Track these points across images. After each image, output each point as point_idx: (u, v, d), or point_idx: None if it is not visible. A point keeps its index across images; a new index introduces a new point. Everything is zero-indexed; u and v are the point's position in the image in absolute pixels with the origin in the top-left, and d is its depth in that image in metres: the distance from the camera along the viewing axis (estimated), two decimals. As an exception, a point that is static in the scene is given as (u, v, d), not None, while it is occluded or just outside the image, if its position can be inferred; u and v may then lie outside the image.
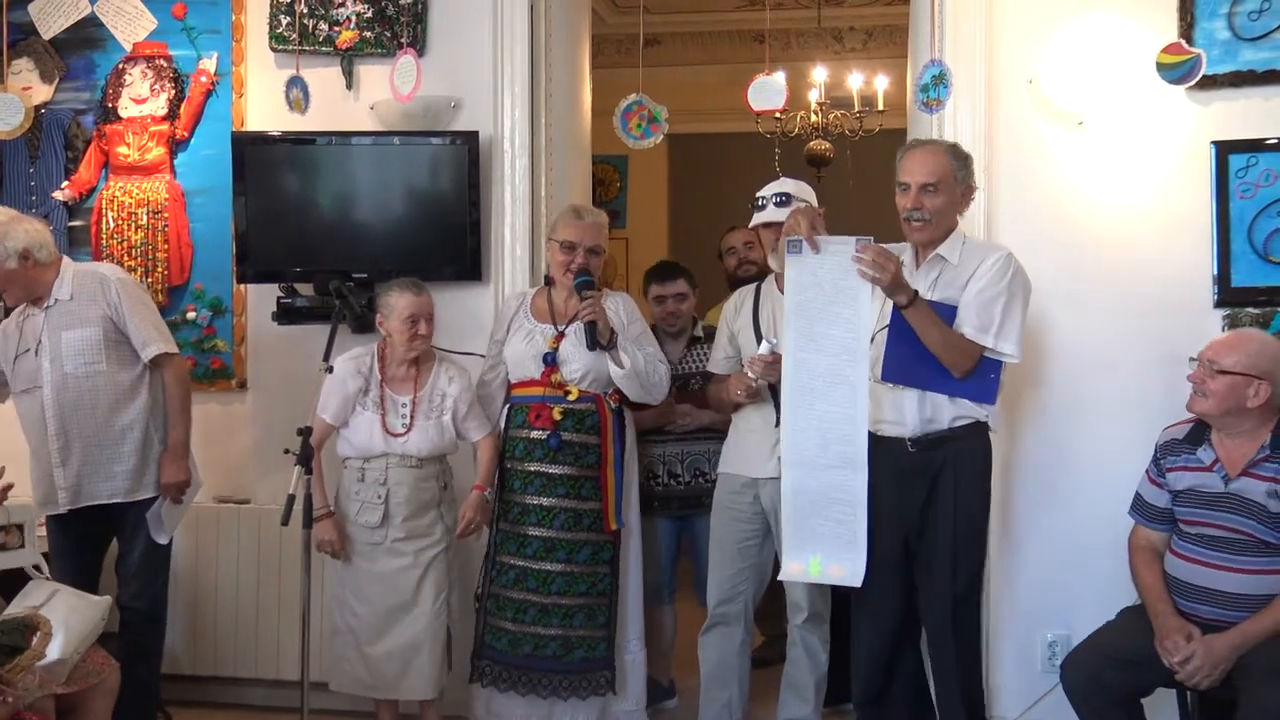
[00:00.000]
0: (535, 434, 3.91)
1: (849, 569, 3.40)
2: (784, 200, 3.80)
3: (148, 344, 3.94)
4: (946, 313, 3.43)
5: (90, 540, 4.03)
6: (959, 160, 3.51)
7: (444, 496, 4.01)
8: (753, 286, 4.09)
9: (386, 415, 3.91)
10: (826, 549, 3.43)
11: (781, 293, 3.87)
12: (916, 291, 3.40)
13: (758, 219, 3.87)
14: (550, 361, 3.93)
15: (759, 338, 3.89)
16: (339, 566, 3.99)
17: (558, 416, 3.89)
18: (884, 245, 3.63)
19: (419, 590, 3.91)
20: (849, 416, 3.37)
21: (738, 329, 4.03)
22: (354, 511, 3.93)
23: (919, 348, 3.42)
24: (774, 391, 3.80)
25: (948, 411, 3.47)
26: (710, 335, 4.42)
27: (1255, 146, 4.08)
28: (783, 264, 3.56)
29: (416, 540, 3.91)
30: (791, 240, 3.42)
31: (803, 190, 3.89)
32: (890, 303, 3.46)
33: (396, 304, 3.90)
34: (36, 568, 3.67)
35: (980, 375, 3.44)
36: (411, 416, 3.92)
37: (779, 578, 3.68)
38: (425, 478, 3.94)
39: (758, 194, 3.90)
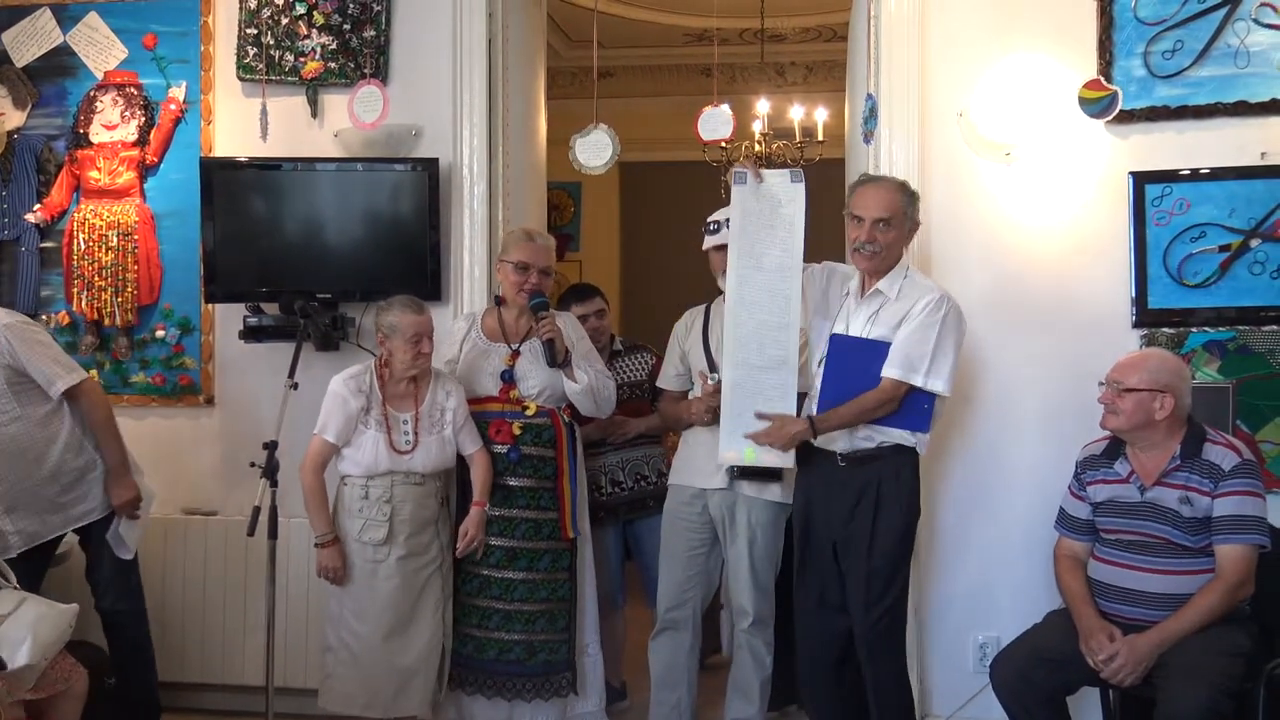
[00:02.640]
0: (496, 448, 3.96)
1: (777, 456, 3.69)
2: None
3: (53, 381, 3.89)
4: (881, 351, 3.58)
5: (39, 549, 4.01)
6: (908, 197, 3.69)
7: (442, 514, 3.98)
8: (702, 307, 4.21)
9: (391, 433, 3.86)
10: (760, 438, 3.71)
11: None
12: (809, 420, 3.60)
13: (710, 241, 4.00)
14: (508, 379, 3.99)
15: (709, 356, 4.03)
16: (334, 595, 3.90)
17: (517, 431, 3.95)
18: (833, 265, 3.82)
19: (417, 608, 3.87)
20: (784, 324, 3.68)
21: (688, 348, 4.16)
22: (356, 530, 3.85)
23: (850, 387, 3.60)
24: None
25: (878, 433, 3.62)
26: (629, 348, 4.61)
27: (1170, 177, 4.22)
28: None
29: (417, 558, 3.87)
30: (738, 172, 3.74)
31: None
32: (827, 334, 3.67)
33: (400, 323, 3.84)
34: (0, 572, 3.58)
35: (913, 407, 3.59)
36: (415, 433, 3.87)
37: (717, 462, 3.87)
38: (427, 494, 3.91)
39: (709, 219, 4.03)
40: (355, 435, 3.86)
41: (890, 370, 3.57)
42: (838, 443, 3.65)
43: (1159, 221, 4.24)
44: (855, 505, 3.62)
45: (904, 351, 3.56)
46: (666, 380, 4.25)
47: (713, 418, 3.92)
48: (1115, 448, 3.58)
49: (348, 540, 3.87)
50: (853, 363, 3.64)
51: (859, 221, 3.64)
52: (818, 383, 3.69)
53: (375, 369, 3.94)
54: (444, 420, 3.92)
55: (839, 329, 3.71)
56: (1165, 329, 4.24)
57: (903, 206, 3.65)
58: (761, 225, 3.73)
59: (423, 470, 3.88)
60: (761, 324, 3.70)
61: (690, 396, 4.18)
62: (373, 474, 3.85)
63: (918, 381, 3.55)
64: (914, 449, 3.64)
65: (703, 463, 4.02)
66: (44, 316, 4.81)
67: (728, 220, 3.95)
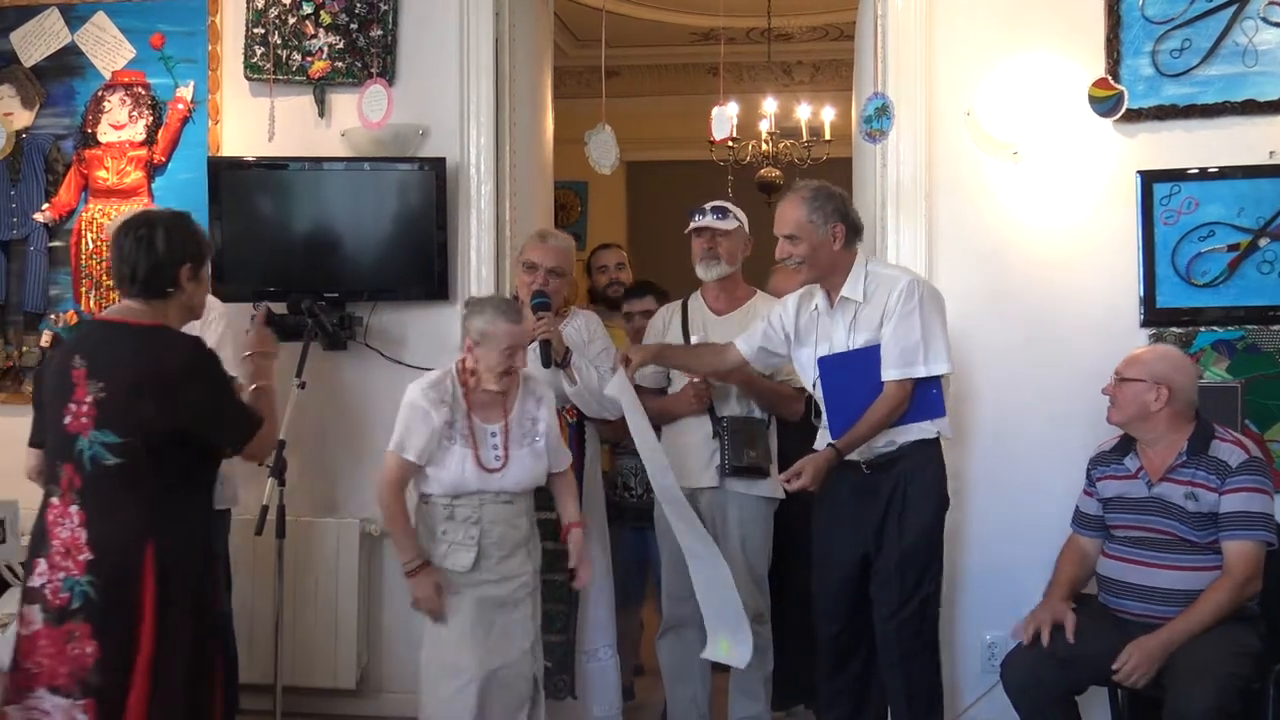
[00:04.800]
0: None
1: (742, 651, 3.76)
2: (722, 213, 4.02)
3: None
4: (872, 355, 3.56)
5: None
6: (817, 203, 3.57)
7: (531, 534, 3.62)
8: (678, 303, 4.23)
9: (479, 448, 3.46)
10: (729, 630, 3.77)
11: (709, 309, 4.12)
12: (832, 446, 3.56)
13: (693, 224, 4.04)
14: (511, 378, 3.99)
15: None
16: (425, 624, 3.53)
17: None
18: (796, 292, 3.81)
19: (514, 641, 3.52)
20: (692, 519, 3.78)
21: (668, 342, 4.14)
22: (440, 554, 3.46)
23: (856, 402, 3.57)
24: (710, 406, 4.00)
25: (896, 434, 3.59)
26: None
27: (1178, 176, 4.22)
28: (709, 275, 4.03)
29: (508, 583, 3.51)
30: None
31: (738, 212, 4.10)
32: (812, 360, 3.68)
33: (494, 332, 3.43)
34: (13, 571, 3.62)
35: (923, 398, 3.58)
36: (505, 447, 3.49)
37: (702, 655, 3.90)
38: (517, 514, 3.53)
39: (695, 208, 4.08)
40: (439, 452, 3.46)
41: (889, 373, 3.55)
42: (864, 451, 3.62)
43: (1167, 220, 4.24)
44: (886, 508, 3.60)
45: (897, 349, 3.54)
46: (644, 379, 4.16)
47: (701, 405, 3.95)
48: (1126, 444, 3.60)
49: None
50: (849, 378, 3.61)
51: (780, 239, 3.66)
52: (823, 408, 3.69)
53: (457, 375, 3.54)
54: (535, 430, 3.58)
55: (822, 350, 3.68)
56: (1173, 328, 4.24)
57: (806, 216, 3.57)
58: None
59: (514, 489, 3.52)
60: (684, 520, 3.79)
61: (670, 393, 4.16)
62: (459, 493, 3.48)
63: (920, 373, 3.54)
64: (935, 439, 3.64)
65: (691, 462, 4.01)
66: (52, 316, 4.83)
67: (712, 208, 4.02)
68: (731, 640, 3.77)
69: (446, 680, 3.46)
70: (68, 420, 2.84)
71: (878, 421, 3.55)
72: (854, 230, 3.64)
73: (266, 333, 3.31)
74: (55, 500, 2.86)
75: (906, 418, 3.58)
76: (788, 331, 3.76)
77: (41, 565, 2.84)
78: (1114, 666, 3.35)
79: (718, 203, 4.08)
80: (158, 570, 2.81)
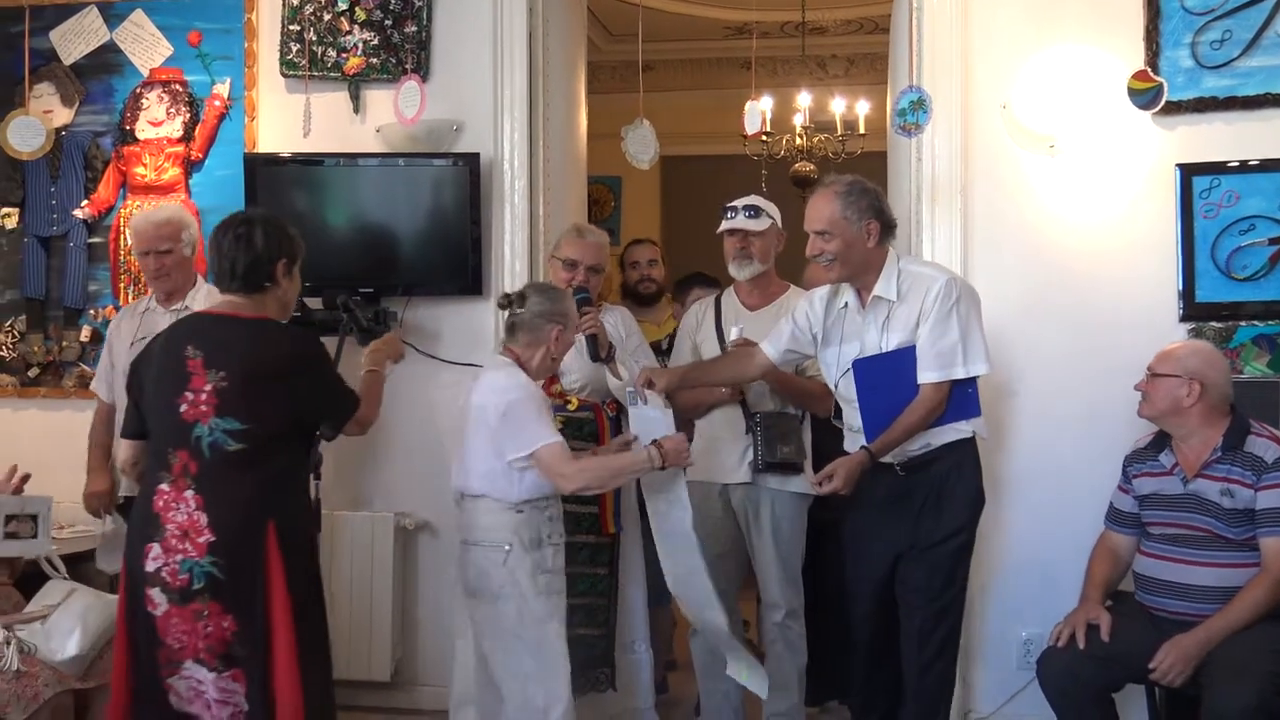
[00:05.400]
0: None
1: (758, 681, 3.76)
2: (755, 213, 3.98)
3: None
4: (907, 357, 3.48)
5: None
6: (850, 199, 3.49)
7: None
8: (711, 299, 4.22)
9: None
10: (742, 664, 3.77)
11: (742, 304, 4.09)
12: (865, 450, 3.46)
13: (722, 225, 4.01)
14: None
15: (722, 346, 4.01)
16: (530, 640, 3.34)
17: (559, 425, 3.80)
18: (819, 289, 3.75)
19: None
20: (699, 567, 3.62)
21: (700, 340, 4.13)
22: (546, 560, 3.36)
23: (892, 404, 3.49)
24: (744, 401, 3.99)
25: (931, 436, 3.51)
26: None
27: (1218, 169, 4.18)
28: (742, 274, 3.98)
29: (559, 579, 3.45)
30: (630, 392, 3.65)
31: (770, 207, 4.05)
32: (840, 359, 3.62)
33: (572, 313, 3.51)
34: (51, 563, 3.65)
35: (958, 398, 3.49)
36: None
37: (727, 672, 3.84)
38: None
39: (728, 204, 4.03)
40: None
41: (927, 375, 3.46)
42: (892, 454, 3.55)
43: (1207, 214, 4.20)
44: (920, 511, 3.53)
45: (934, 351, 3.45)
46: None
47: (734, 396, 3.95)
48: (1162, 440, 3.58)
49: (528, 583, 3.33)
50: (884, 380, 3.52)
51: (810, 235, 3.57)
52: (854, 410, 3.62)
53: (520, 368, 3.44)
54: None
55: (852, 351, 3.60)
56: (1213, 323, 4.21)
57: (840, 212, 3.48)
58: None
59: None
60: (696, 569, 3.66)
61: None
62: (551, 493, 3.40)
63: (959, 374, 3.46)
64: (971, 438, 3.55)
65: (724, 458, 4.01)
66: (91, 311, 4.89)
67: (744, 206, 3.98)
68: (749, 670, 3.77)
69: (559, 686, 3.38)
70: (184, 409, 2.96)
71: (914, 425, 3.48)
72: (888, 227, 3.55)
73: (399, 342, 3.59)
74: (165, 486, 2.97)
75: (942, 419, 3.51)
76: (814, 331, 3.69)
77: (155, 550, 2.94)
78: (1150, 665, 3.33)
79: (749, 200, 4.03)
80: (281, 547, 2.96)
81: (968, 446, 3.56)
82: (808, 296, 3.79)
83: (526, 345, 3.44)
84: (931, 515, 3.52)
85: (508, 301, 3.50)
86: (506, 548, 3.32)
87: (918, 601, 3.55)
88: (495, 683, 3.40)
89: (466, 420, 3.43)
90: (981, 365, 3.48)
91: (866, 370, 3.57)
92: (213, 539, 2.92)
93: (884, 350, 3.53)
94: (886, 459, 3.54)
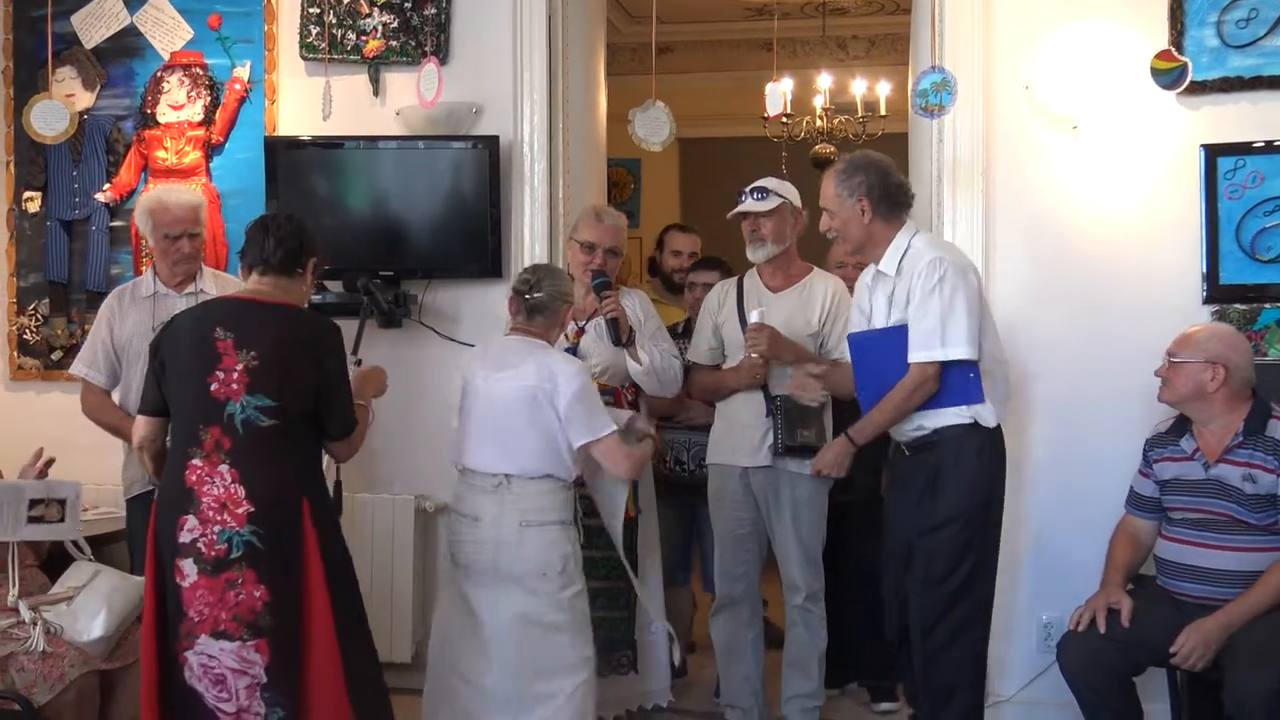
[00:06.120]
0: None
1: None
2: (762, 194, 3.98)
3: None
4: (898, 334, 3.47)
5: None
6: (843, 176, 3.55)
7: None
8: (733, 280, 4.22)
9: None
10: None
11: (765, 286, 4.09)
12: (845, 435, 3.61)
13: (734, 210, 4.03)
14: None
15: (745, 330, 4.00)
16: (579, 613, 3.55)
17: None
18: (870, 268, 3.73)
19: None
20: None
21: (722, 321, 4.14)
22: (578, 536, 3.62)
23: (883, 382, 3.50)
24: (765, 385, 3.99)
25: (931, 418, 3.49)
26: None
27: (1243, 149, 4.15)
28: (757, 257, 3.99)
29: None
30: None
31: (783, 188, 4.04)
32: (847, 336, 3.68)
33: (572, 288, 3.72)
34: (77, 545, 3.67)
35: (956, 381, 3.44)
36: None
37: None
38: None
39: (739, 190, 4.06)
40: None
41: (913, 354, 3.43)
42: (900, 433, 3.58)
43: (1231, 195, 4.17)
44: (920, 495, 3.51)
45: (918, 329, 3.43)
46: (699, 355, 4.20)
47: (757, 380, 3.94)
48: (1182, 425, 3.56)
49: (577, 558, 3.53)
50: (875, 358, 3.54)
51: None
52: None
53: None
54: None
55: (859, 325, 3.64)
56: (1237, 305, 4.18)
57: (835, 190, 3.55)
58: None
59: None
60: None
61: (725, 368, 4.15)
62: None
63: (937, 357, 3.41)
64: (972, 424, 3.47)
65: (743, 441, 4.02)
66: (114, 295, 4.89)
67: (752, 189, 4.00)
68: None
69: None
70: (214, 387, 3.11)
71: (894, 406, 3.47)
72: (886, 204, 3.53)
73: (382, 373, 3.71)
74: (197, 461, 3.10)
75: (938, 401, 3.46)
76: (864, 311, 3.69)
77: (191, 521, 3.07)
78: (1171, 650, 3.33)
79: (758, 183, 4.03)
80: (315, 523, 3.13)
81: (969, 434, 3.47)
82: (859, 281, 3.78)
83: (547, 327, 3.53)
84: (928, 500, 3.48)
85: (528, 285, 3.53)
86: (568, 525, 3.48)
87: (915, 589, 3.52)
88: (522, 665, 3.43)
89: (498, 400, 3.45)
90: (962, 349, 3.40)
91: (859, 346, 3.61)
92: (252, 509, 3.06)
93: (882, 327, 3.56)
94: (897, 438, 3.57)
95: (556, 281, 3.58)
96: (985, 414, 3.47)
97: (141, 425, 3.37)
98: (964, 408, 3.46)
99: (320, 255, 3.42)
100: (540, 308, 3.52)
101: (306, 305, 3.47)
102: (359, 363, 3.91)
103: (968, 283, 3.44)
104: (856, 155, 3.65)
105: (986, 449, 3.49)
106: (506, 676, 3.47)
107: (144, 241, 4.77)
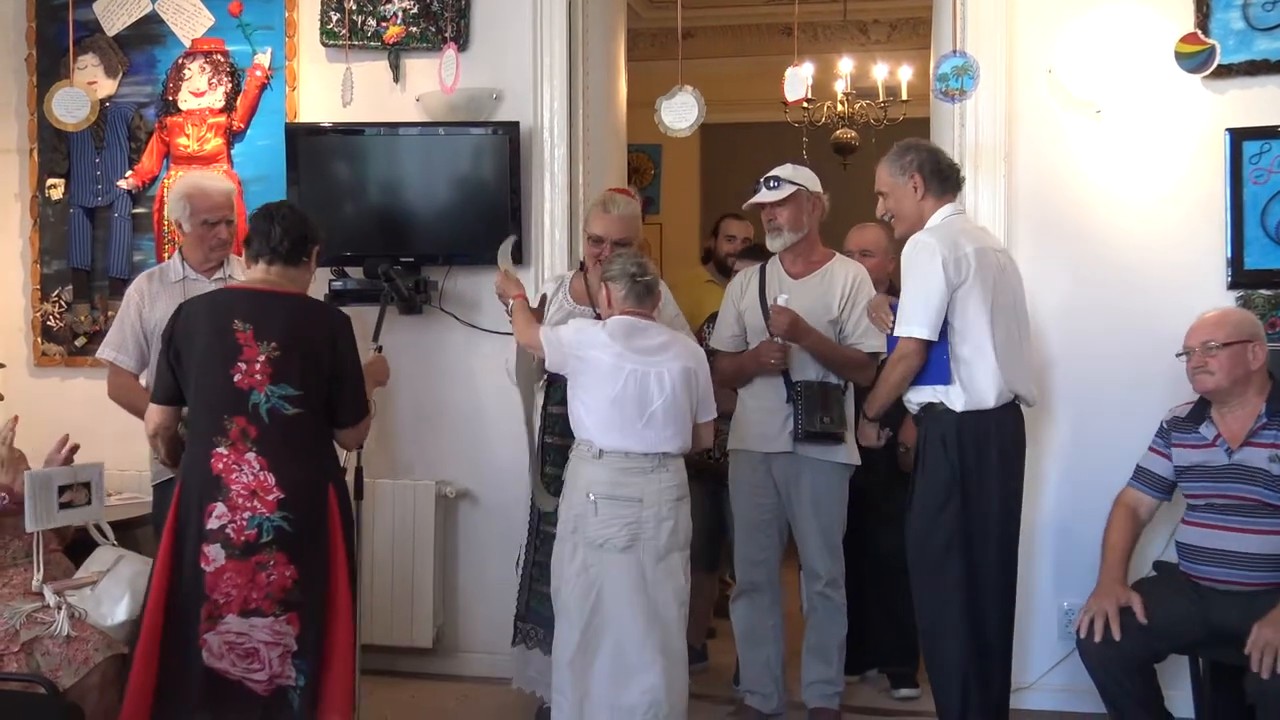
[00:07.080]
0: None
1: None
2: (775, 184, 3.97)
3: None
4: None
5: None
6: (894, 157, 3.67)
7: None
8: (756, 267, 4.21)
9: None
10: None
11: (786, 272, 4.08)
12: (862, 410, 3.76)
13: (752, 200, 4.02)
14: (589, 342, 4.00)
15: (767, 317, 4.00)
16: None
17: None
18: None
19: None
20: None
21: (744, 308, 4.13)
22: None
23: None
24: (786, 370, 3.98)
25: (913, 393, 3.61)
26: None
27: (1268, 133, 4.12)
28: (775, 245, 3.99)
29: None
30: None
31: (799, 174, 4.03)
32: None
33: None
34: (100, 530, 3.67)
35: (935, 360, 3.51)
36: None
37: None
38: None
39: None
40: None
41: (896, 328, 3.60)
42: (908, 406, 3.70)
43: (1257, 179, 4.15)
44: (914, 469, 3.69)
45: (899, 305, 3.59)
46: (721, 342, 4.20)
47: (778, 365, 3.93)
48: (1200, 411, 3.55)
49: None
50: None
51: None
52: None
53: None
54: None
55: None
56: (1262, 290, 4.16)
57: (889, 171, 3.68)
58: None
59: None
60: None
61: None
62: None
63: (901, 331, 3.53)
64: (941, 406, 3.53)
65: (764, 427, 4.02)
66: (136, 281, 4.91)
67: (764, 179, 3.98)
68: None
69: None
70: (237, 378, 3.19)
71: (881, 378, 3.67)
72: (937, 180, 3.62)
73: (385, 364, 3.83)
74: (223, 449, 3.19)
75: (920, 379, 3.56)
76: None
77: (219, 508, 3.17)
78: (1251, 667, 3.19)
79: (772, 173, 4.02)
80: (339, 507, 3.31)
81: (942, 417, 3.53)
82: None
83: (653, 307, 3.64)
84: (910, 478, 3.66)
85: (638, 268, 3.60)
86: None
87: (900, 564, 3.69)
88: (668, 635, 3.54)
89: (662, 382, 3.50)
90: (914, 327, 3.48)
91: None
92: (282, 496, 3.17)
93: None
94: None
95: (650, 265, 3.67)
96: (953, 395, 3.51)
97: (156, 413, 3.39)
98: (936, 387, 3.54)
99: (321, 243, 3.48)
100: (651, 289, 3.61)
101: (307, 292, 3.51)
102: (380, 349, 3.93)
103: (922, 264, 3.49)
104: (908, 140, 3.75)
105: (951, 432, 3.51)
106: (653, 643, 3.52)
107: (166, 227, 4.82)
